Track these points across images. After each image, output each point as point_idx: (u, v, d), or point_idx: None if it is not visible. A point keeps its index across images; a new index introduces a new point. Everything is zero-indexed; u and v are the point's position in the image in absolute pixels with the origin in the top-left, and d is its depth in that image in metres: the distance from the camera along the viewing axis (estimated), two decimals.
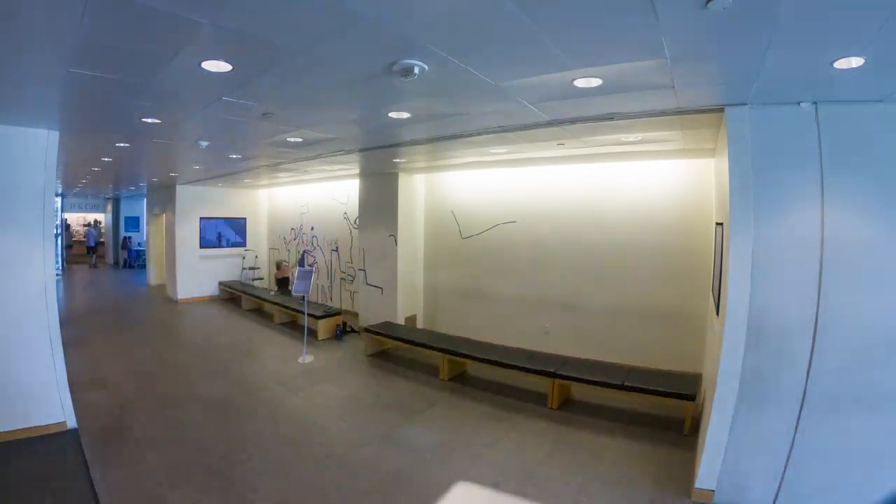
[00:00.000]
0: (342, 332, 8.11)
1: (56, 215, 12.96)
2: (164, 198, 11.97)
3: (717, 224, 4.35)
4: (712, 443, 3.30)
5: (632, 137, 4.62)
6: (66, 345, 4.41)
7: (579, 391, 5.35)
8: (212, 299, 11.57)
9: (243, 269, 12.07)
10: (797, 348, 3.05)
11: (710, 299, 4.78)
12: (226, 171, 8.50)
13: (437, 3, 1.92)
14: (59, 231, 15.39)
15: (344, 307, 9.88)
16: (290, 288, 10.79)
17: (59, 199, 16.14)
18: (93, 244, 18.81)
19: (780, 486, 3.14)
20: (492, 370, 5.84)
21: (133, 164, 7.96)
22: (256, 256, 12.47)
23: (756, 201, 3.14)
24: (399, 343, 6.77)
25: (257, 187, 12.03)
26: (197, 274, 11.40)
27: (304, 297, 7.29)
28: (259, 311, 10.12)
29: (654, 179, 5.86)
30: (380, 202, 8.16)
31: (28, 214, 4.13)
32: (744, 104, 3.18)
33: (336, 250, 10.09)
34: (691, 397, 4.41)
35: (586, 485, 3.59)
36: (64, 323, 4.88)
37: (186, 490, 3.41)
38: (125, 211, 18.72)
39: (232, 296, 11.37)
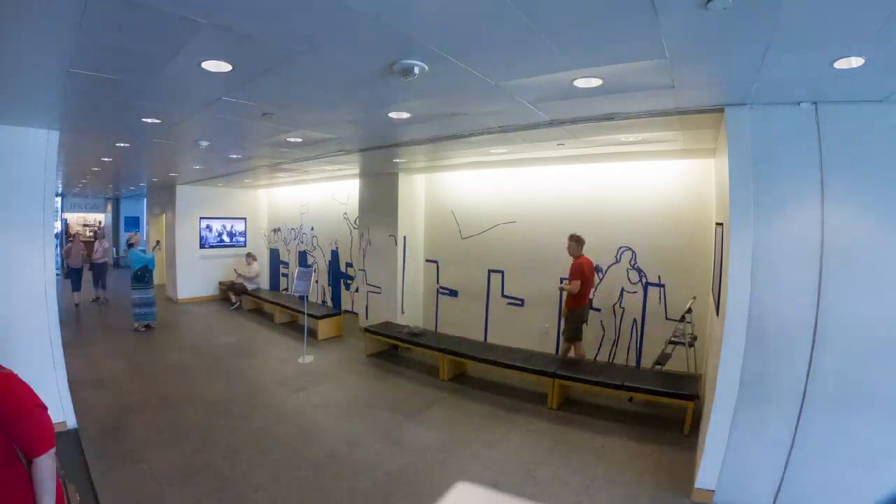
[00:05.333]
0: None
1: (56, 215, 12.78)
2: (164, 198, 11.96)
3: (717, 224, 4.34)
4: (712, 443, 3.30)
5: (632, 137, 4.62)
6: (66, 345, 4.41)
7: (579, 391, 5.35)
8: (212, 299, 11.57)
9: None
10: (797, 348, 3.05)
11: (710, 299, 4.78)
12: (226, 171, 8.50)
13: (437, 3, 1.92)
14: (58, 230, 15.36)
15: (344, 307, 9.90)
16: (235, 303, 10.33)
17: (59, 199, 16.15)
18: (99, 262, 10.93)
19: (780, 486, 3.15)
20: (492, 370, 5.84)
21: (133, 164, 7.96)
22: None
23: (756, 201, 3.14)
24: (399, 343, 6.77)
25: (257, 187, 12.03)
26: (197, 274, 11.41)
27: (303, 297, 7.30)
28: (259, 311, 10.12)
29: (654, 179, 5.86)
30: (380, 202, 8.16)
31: (28, 215, 4.13)
32: (744, 104, 3.18)
33: (336, 250, 10.10)
34: (691, 397, 4.41)
35: (586, 485, 3.59)
36: (64, 323, 4.88)
37: (186, 490, 3.41)
38: (125, 211, 18.72)
39: None
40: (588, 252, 5.88)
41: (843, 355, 2.95)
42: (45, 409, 1.69)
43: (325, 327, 7.96)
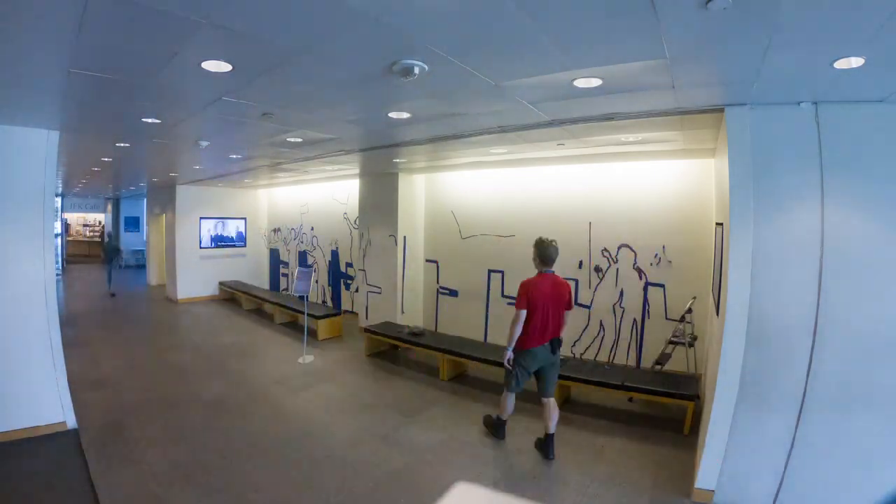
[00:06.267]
0: None
1: (56, 215, 12.82)
2: (164, 198, 11.97)
3: (717, 224, 4.34)
4: (712, 443, 3.30)
5: (632, 137, 4.62)
6: (66, 345, 4.41)
7: (579, 391, 5.35)
8: (212, 299, 11.58)
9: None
10: (797, 348, 3.05)
11: (710, 299, 4.78)
12: (226, 171, 8.50)
13: (437, 3, 1.92)
14: (59, 231, 15.39)
15: (344, 307, 9.89)
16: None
17: (59, 199, 16.15)
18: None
19: (780, 486, 3.14)
20: (492, 370, 5.84)
21: (133, 164, 7.96)
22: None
23: (756, 201, 3.14)
24: (399, 343, 6.77)
25: (257, 187, 12.03)
26: (197, 274, 11.41)
27: (303, 297, 7.29)
28: (259, 312, 10.12)
29: (654, 179, 5.86)
30: (380, 202, 8.16)
31: (28, 214, 4.13)
32: (744, 104, 3.18)
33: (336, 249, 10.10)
34: (691, 397, 4.41)
35: (586, 485, 3.59)
36: (64, 323, 4.88)
37: (186, 490, 3.41)
38: (125, 211, 18.72)
39: (232, 296, 11.38)
40: (588, 252, 5.87)
41: (843, 355, 2.95)
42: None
43: (325, 327, 7.96)
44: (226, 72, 2.75)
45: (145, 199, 15.30)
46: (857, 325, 2.91)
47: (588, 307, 6.34)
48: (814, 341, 3.01)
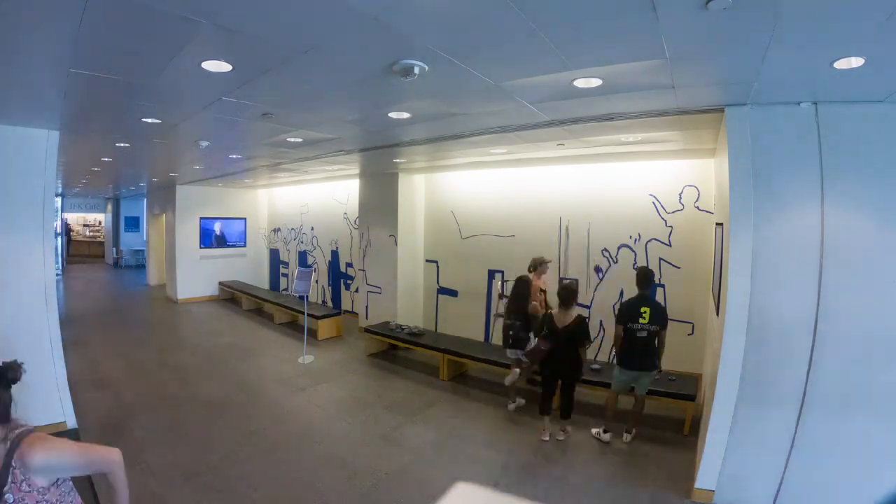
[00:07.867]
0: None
1: (56, 215, 12.81)
2: (164, 198, 11.97)
3: (717, 224, 4.34)
4: (712, 443, 3.30)
5: (632, 137, 4.62)
6: (66, 345, 4.41)
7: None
8: (212, 299, 11.57)
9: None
10: (797, 348, 3.05)
11: (710, 299, 4.78)
12: (226, 171, 8.50)
13: (437, 3, 1.92)
14: (58, 231, 15.38)
15: (344, 307, 9.89)
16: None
17: (59, 199, 16.14)
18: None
19: (780, 486, 3.15)
20: (492, 370, 5.84)
21: (133, 164, 7.96)
22: None
23: (756, 201, 3.14)
24: (399, 343, 6.77)
25: (257, 187, 12.03)
26: (197, 274, 11.40)
27: (303, 297, 7.30)
28: (259, 312, 10.12)
29: (654, 179, 5.86)
30: (380, 202, 8.16)
31: (28, 214, 4.13)
32: (744, 104, 3.18)
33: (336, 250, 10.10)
34: (691, 397, 4.41)
35: (586, 485, 3.59)
36: (64, 323, 4.88)
37: (186, 490, 3.41)
38: (125, 211, 18.72)
39: (232, 296, 11.37)
40: (587, 252, 5.84)
41: (842, 355, 2.95)
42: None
43: (325, 327, 7.97)
44: (226, 72, 2.75)
45: (145, 199, 15.30)
46: (857, 324, 2.92)
47: (588, 307, 6.33)
48: (814, 341, 3.01)
